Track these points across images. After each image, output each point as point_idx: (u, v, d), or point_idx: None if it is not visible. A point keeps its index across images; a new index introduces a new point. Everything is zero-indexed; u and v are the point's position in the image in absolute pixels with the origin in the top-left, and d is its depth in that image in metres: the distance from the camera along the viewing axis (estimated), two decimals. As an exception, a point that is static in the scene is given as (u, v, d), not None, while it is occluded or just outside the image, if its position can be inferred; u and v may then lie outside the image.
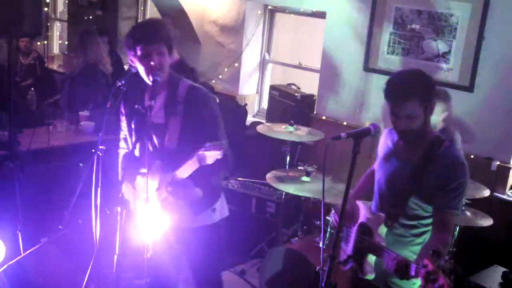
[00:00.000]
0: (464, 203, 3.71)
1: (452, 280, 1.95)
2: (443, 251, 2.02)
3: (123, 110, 2.88)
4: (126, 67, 7.18)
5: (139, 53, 2.61)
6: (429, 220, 2.48)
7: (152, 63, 2.60)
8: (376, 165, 2.71)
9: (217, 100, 2.86)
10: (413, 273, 2.09)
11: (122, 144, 2.96)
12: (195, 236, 2.84)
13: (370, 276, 2.48)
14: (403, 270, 2.15)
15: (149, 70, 2.61)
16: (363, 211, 2.62)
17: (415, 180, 2.41)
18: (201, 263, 2.96)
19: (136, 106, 2.52)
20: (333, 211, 3.08)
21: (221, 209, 2.92)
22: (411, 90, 2.33)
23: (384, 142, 2.64)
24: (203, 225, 2.84)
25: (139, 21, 7.69)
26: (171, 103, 2.72)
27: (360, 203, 2.68)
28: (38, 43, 8.16)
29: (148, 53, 2.60)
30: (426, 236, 2.50)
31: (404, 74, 2.47)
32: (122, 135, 2.94)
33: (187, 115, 2.71)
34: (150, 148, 2.75)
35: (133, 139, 2.82)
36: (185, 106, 2.71)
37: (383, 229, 2.47)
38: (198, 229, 2.83)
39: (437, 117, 3.55)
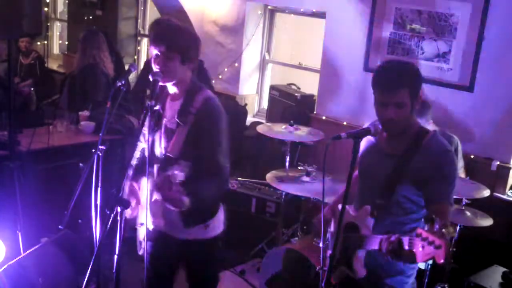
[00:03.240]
0: (464, 203, 3.72)
1: (448, 239, 1.85)
2: (435, 218, 1.92)
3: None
4: (126, 66, 7.19)
5: (152, 51, 2.61)
6: (418, 215, 2.43)
7: (156, 66, 2.60)
8: (358, 163, 2.62)
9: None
10: (407, 247, 2.00)
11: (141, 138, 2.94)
12: (187, 248, 2.81)
13: (362, 274, 2.42)
14: (396, 247, 2.06)
15: (153, 69, 2.62)
16: (348, 210, 2.54)
17: (402, 172, 2.36)
18: (195, 274, 2.94)
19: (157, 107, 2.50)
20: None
21: (216, 227, 2.85)
22: (402, 78, 2.33)
23: (366, 137, 2.55)
24: (194, 239, 2.79)
25: (139, 21, 7.70)
26: (184, 112, 2.68)
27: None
28: (38, 43, 8.17)
29: (157, 55, 2.59)
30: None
31: (395, 63, 2.46)
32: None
33: (194, 127, 2.66)
34: (159, 149, 2.75)
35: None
36: (195, 118, 2.66)
37: (370, 222, 2.40)
38: (189, 242, 2.80)
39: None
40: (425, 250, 1.89)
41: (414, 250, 1.95)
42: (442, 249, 1.84)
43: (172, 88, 2.69)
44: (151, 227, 2.75)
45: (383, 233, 2.36)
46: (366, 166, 2.55)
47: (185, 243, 2.80)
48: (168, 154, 2.70)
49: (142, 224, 2.78)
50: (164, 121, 2.73)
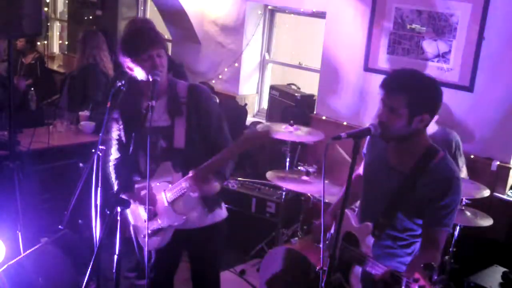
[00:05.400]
0: (464, 203, 3.72)
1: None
2: (435, 265, 1.93)
3: (117, 116, 2.84)
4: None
5: (142, 58, 2.63)
6: (418, 232, 2.39)
7: (156, 62, 2.63)
8: (363, 169, 2.61)
9: (217, 100, 2.89)
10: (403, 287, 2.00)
11: (114, 155, 2.90)
12: (204, 234, 2.86)
13: None
14: (393, 283, 2.05)
15: (150, 71, 2.62)
16: (351, 219, 2.52)
17: (404, 193, 2.32)
18: (204, 262, 2.98)
19: (142, 109, 2.54)
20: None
21: (223, 206, 2.99)
22: (402, 85, 2.25)
23: (375, 144, 2.52)
24: (214, 222, 2.88)
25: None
26: (174, 105, 2.76)
27: (347, 211, 2.56)
28: (38, 43, 8.16)
29: (149, 56, 2.62)
30: (415, 247, 2.42)
31: (407, 70, 2.35)
32: (114, 143, 2.88)
33: (190, 114, 2.75)
34: (158, 148, 2.77)
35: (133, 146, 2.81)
36: (188, 106, 2.76)
37: (370, 240, 2.37)
38: (209, 228, 2.86)
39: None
40: None
41: None
42: None
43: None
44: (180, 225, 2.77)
45: (382, 247, 2.39)
46: (372, 176, 2.51)
47: (203, 230, 2.85)
48: (175, 148, 2.74)
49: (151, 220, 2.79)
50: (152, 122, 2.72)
